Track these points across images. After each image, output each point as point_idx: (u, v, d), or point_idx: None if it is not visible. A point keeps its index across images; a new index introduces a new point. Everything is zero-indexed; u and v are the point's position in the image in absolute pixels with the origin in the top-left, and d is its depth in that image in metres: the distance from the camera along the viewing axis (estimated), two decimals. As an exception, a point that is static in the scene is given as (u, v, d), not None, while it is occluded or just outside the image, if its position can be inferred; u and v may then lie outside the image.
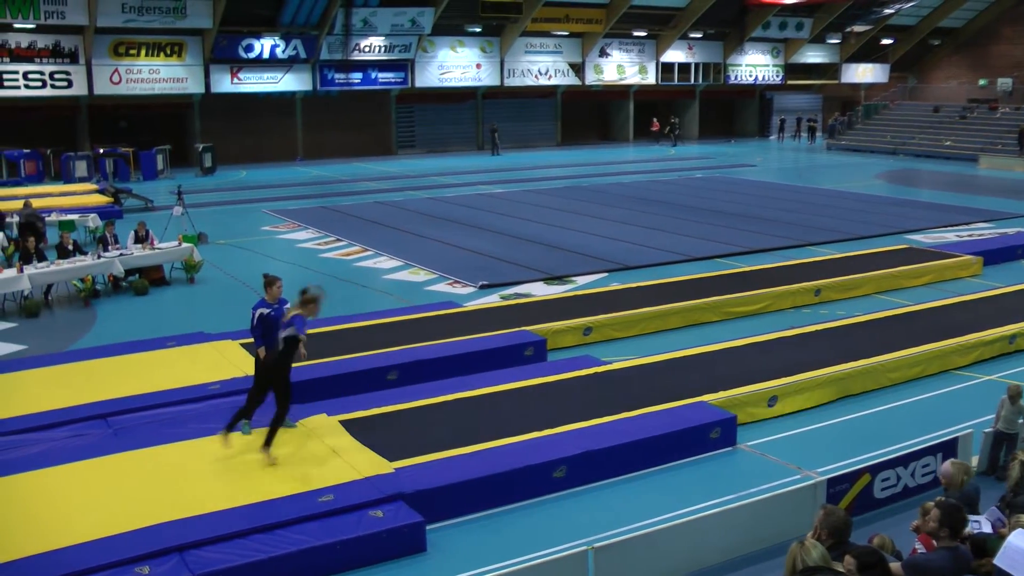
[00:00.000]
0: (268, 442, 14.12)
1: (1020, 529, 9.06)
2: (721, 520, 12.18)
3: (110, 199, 40.37)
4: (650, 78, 76.83)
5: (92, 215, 34.64)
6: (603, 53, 73.88)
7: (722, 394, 16.73)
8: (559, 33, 71.13)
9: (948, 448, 14.19)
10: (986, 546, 9.71)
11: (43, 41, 54.35)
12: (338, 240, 33.88)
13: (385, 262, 30.14)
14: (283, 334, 14.26)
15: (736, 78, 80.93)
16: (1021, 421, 14.49)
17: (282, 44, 60.54)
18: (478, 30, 67.90)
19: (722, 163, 61.63)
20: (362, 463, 13.84)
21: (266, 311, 14.98)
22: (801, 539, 8.73)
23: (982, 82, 77.30)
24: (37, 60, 54.36)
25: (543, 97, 74.52)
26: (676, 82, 78.19)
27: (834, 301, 25.18)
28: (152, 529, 12.02)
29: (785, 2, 73.86)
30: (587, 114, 78.16)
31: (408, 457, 14.13)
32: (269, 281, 15.35)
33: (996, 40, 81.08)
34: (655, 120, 76.56)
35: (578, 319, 21.88)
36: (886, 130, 71.54)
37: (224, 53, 59.17)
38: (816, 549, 8.50)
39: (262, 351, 14.91)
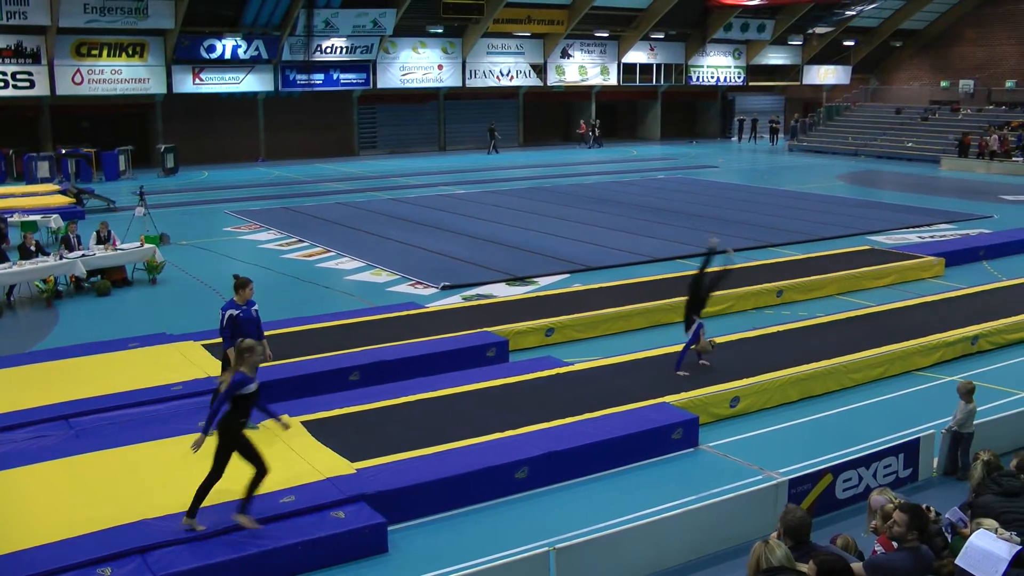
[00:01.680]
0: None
1: (982, 530, 9.13)
2: (683, 521, 12.22)
3: (72, 200, 40.13)
4: (612, 79, 76.90)
5: (54, 216, 34.42)
6: (565, 54, 73.91)
7: (684, 395, 16.77)
8: (521, 34, 71.09)
9: (910, 449, 14.28)
10: (948, 545, 9.79)
11: (5, 41, 53.93)
12: (300, 241, 33.80)
13: (347, 263, 30.09)
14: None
15: (698, 79, 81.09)
16: (975, 421, 14.58)
17: (244, 45, 60.30)
18: (440, 31, 67.73)
19: (684, 164, 61.76)
20: (324, 464, 13.82)
21: (235, 312, 15.02)
22: (765, 538, 8.75)
23: (944, 84, 77.76)
24: (-1, 60, 54.09)
25: (505, 98, 74.50)
26: (638, 83, 78.28)
27: (796, 302, 25.30)
28: (114, 531, 11.97)
29: (747, 4, 74.06)
30: (549, 115, 78.10)
31: (370, 458, 14.13)
32: (240, 283, 15.36)
33: (958, 42, 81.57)
34: (582, 123, 76.22)
35: (540, 320, 21.90)
36: (848, 132, 71.83)
37: (186, 53, 58.89)
38: (780, 548, 8.53)
39: (231, 352, 14.89)
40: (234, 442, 12.15)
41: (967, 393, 14.60)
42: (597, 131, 75.02)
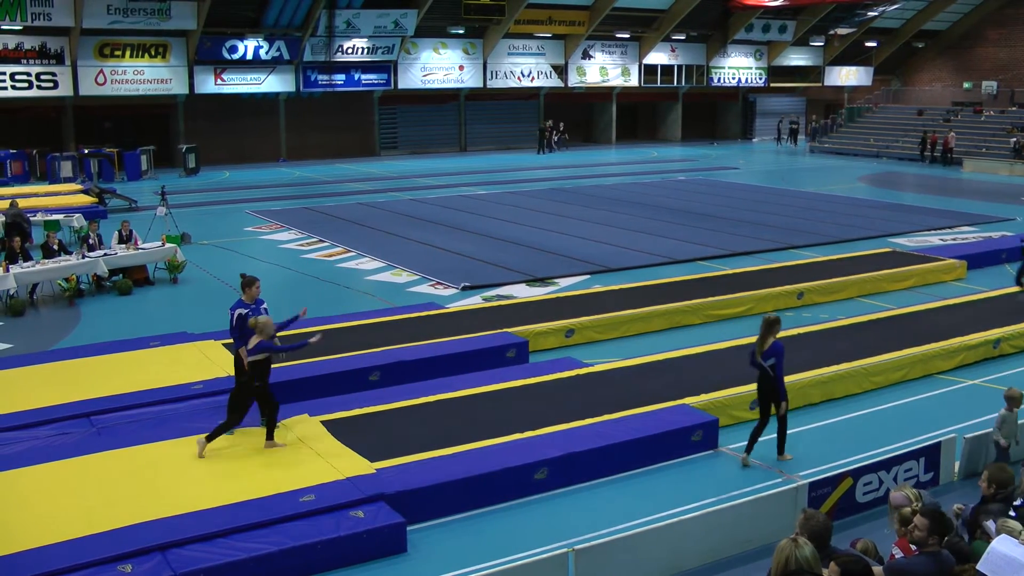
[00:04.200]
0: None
1: (1004, 535, 9.06)
2: (702, 523, 12.19)
3: (95, 199, 40.27)
4: (633, 80, 76.82)
5: (77, 215, 34.60)
6: (586, 55, 73.86)
7: (704, 397, 16.74)
8: (542, 35, 71.08)
9: (931, 453, 14.22)
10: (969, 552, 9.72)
11: (29, 43, 54.21)
12: (321, 241, 33.85)
13: (367, 263, 30.12)
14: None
15: (719, 80, 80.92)
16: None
17: (265, 45, 60.45)
18: (461, 32, 67.80)
19: (705, 165, 61.68)
20: (344, 463, 13.83)
21: (244, 312, 15.02)
22: (793, 537, 8.69)
23: (967, 85, 77.45)
24: (23, 61, 54.25)
25: (526, 99, 74.51)
26: (659, 84, 78.20)
27: (817, 304, 25.20)
28: (134, 528, 12.01)
29: (768, 5, 73.89)
30: (570, 116, 77.97)
31: (390, 458, 14.13)
32: (247, 282, 15.41)
33: (981, 43, 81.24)
34: (547, 123, 74.91)
35: (560, 321, 21.86)
36: (869, 133, 71.56)
37: (208, 54, 59.04)
38: (808, 546, 8.47)
39: (243, 351, 14.93)
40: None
41: (1017, 400, 14.36)
42: (559, 135, 73.81)
